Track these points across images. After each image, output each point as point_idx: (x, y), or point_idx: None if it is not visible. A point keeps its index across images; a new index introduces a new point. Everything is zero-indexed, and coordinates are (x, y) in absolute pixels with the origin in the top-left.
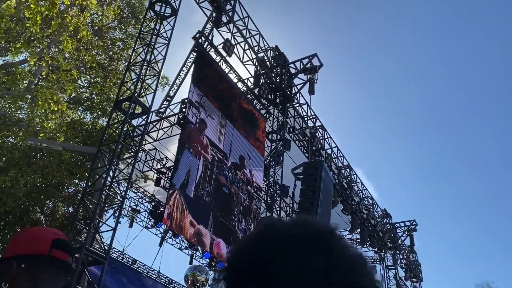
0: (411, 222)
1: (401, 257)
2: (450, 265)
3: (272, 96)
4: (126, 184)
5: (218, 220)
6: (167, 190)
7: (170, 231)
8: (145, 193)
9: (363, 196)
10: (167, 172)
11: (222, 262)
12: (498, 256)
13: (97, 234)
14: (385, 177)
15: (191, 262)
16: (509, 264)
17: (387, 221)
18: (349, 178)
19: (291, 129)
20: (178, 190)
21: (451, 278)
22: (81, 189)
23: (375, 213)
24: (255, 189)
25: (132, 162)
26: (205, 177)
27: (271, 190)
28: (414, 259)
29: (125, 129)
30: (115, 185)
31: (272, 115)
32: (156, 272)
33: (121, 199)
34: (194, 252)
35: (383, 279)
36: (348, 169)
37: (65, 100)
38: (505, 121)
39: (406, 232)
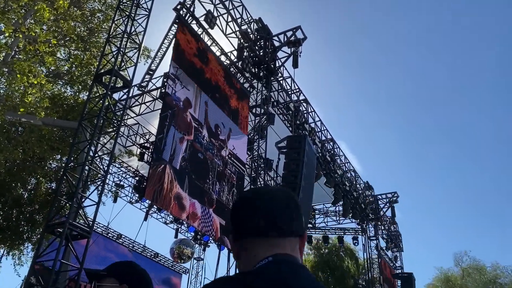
0: (393, 194)
1: (382, 228)
2: (429, 235)
3: (256, 70)
4: (108, 159)
5: (193, 182)
6: (152, 165)
7: (155, 206)
8: (128, 168)
9: (346, 169)
10: (151, 146)
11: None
12: (474, 226)
13: (80, 209)
14: (368, 151)
15: (176, 236)
16: (485, 233)
17: (369, 193)
18: (332, 152)
19: (275, 103)
20: (167, 163)
21: (430, 247)
22: (63, 164)
23: (358, 185)
24: (230, 156)
25: (114, 136)
26: (184, 148)
27: (255, 164)
28: (395, 230)
29: (106, 103)
30: (98, 160)
31: (256, 89)
32: (141, 246)
33: (104, 173)
34: (179, 226)
35: (365, 249)
36: (331, 143)
37: (44, 73)
38: (486, 92)
39: (387, 204)
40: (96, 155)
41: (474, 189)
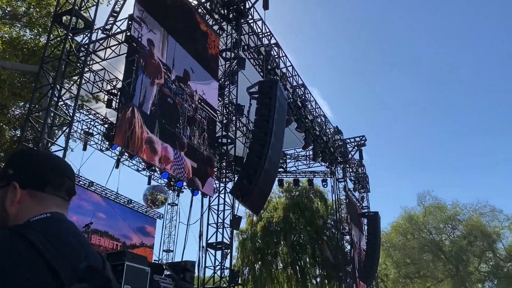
0: (361, 137)
1: (350, 170)
2: (395, 177)
3: (225, 11)
4: (74, 105)
5: (163, 127)
6: (120, 109)
7: (126, 153)
8: (97, 115)
9: (317, 114)
10: (118, 93)
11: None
12: (437, 167)
13: None
14: (339, 96)
15: (149, 183)
16: (446, 173)
17: (338, 137)
18: (303, 97)
19: (245, 47)
20: (136, 108)
21: (395, 188)
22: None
23: (328, 130)
24: (199, 101)
25: (78, 80)
26: (153, 92)
27: (227, 110)
28: (362, 172)
29: (67, 45)
30: (63, 105)
31: (225, 32)
32: (114, 193)
33: (70, 118)
34: (152, 173)
35: (333, 190)
36: (302, 88)
37: None
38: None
39: (355, 147)
40: (61, 100)
41: (437, 132)
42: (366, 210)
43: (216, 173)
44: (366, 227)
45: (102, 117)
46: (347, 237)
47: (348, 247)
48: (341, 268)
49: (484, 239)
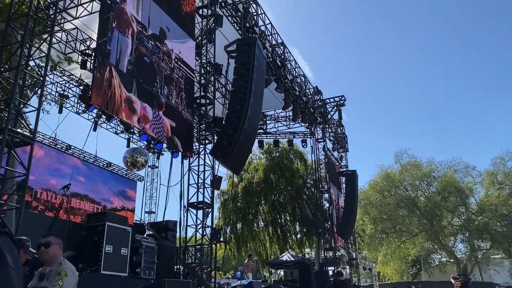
0: (340, 97)
1: (329, 130)
2: (373, 136)
3: None
4: (45, 64)
5: (141, 86)
6: (97, 68)
7: (104, 116)
8: (71, 77)
9: (296, 74)
10: (93, 53)
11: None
12: (415, 126)
13: (20, 116)
14: (320, 57)
15: (128, 146)
16: (422, 133)
17: (318, 97)
18: (282, 57)
19: (222, 4)
20: (113, 67)
21: (373, 148)
22: None
23: (307, 90)
24: (176, 60)
25: (49, 39)
26: (129, 50)
27: (204, 70)
28: (341, 132)
29: (35, 1)
30: (35, 66)
31: None
32: (93, 156)
33: (41, 78)
34: (131, 135)
35: (313, 150)
36: (282, 47)
37: None
38: None
39: (335, 107)
40: (31, 59)
41: (413, 91)
42: (344, 169)
43: (196, 135)
44: (344, 186)
45: (77, 79)
46: (326, 195)
47: (327, 205)
48: (320, 225)
49: (458, 194)
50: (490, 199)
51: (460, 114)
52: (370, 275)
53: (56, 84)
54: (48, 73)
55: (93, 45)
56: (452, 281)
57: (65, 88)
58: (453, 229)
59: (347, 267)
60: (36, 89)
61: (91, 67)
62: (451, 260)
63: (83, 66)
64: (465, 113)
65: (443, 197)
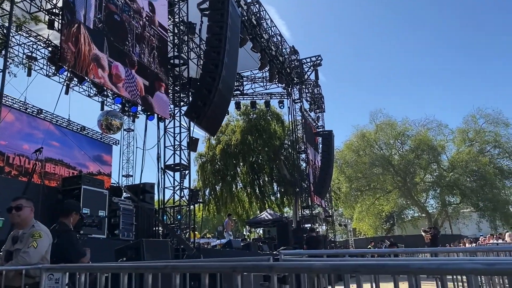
0: (317, 57)
1: (306, 91)
2: (349, 97)
3: None
4: (8, 23)
5: (112, 44)
6: (65, 25)
7: (75, 78)
8: (39, 37)
9: (272, 34)
10: (60, 12)
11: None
12: (390, 85)
13: None
14: (297, 16)
15: (102, 109)
16: (397, 92)
17: (295, 57)
18: (258, 15)
19: None
20: (81, 23)
21: (349, 107)
22: None
23: (284, 50)
24: (147, 18)
25: None
26: (95, 5)
27: (178, 29)
28: (318, 92)
29: None
30: None
31: None
32: (66, 120)
33: (5, 38)
34: (105, 98)
35: (290, 111)
36: (257, 5)
37: None
38: None
39: (311, 68)
40: None
41: (390, 50)
42: (321, 130)
43: (170, 96)
44: (321, 146)
45: (45, 40)
46: (303, 155)
47: (304, 165)
48: (297, 184)
49: (430, 152)
50: (461, 156)
51: (435, 72)
52: (346, 231)
53: (23, 45)
54: (13, 34)
55: (60, 3)
56: (423, 234)
57: (33, 49)
58: (425, 185)
59: (324, 224)
60: (0, 49)
61: (59, 27)
62: (423, 215)
63: (50, 26)
64: (440, 71)
65: (416, 155)
